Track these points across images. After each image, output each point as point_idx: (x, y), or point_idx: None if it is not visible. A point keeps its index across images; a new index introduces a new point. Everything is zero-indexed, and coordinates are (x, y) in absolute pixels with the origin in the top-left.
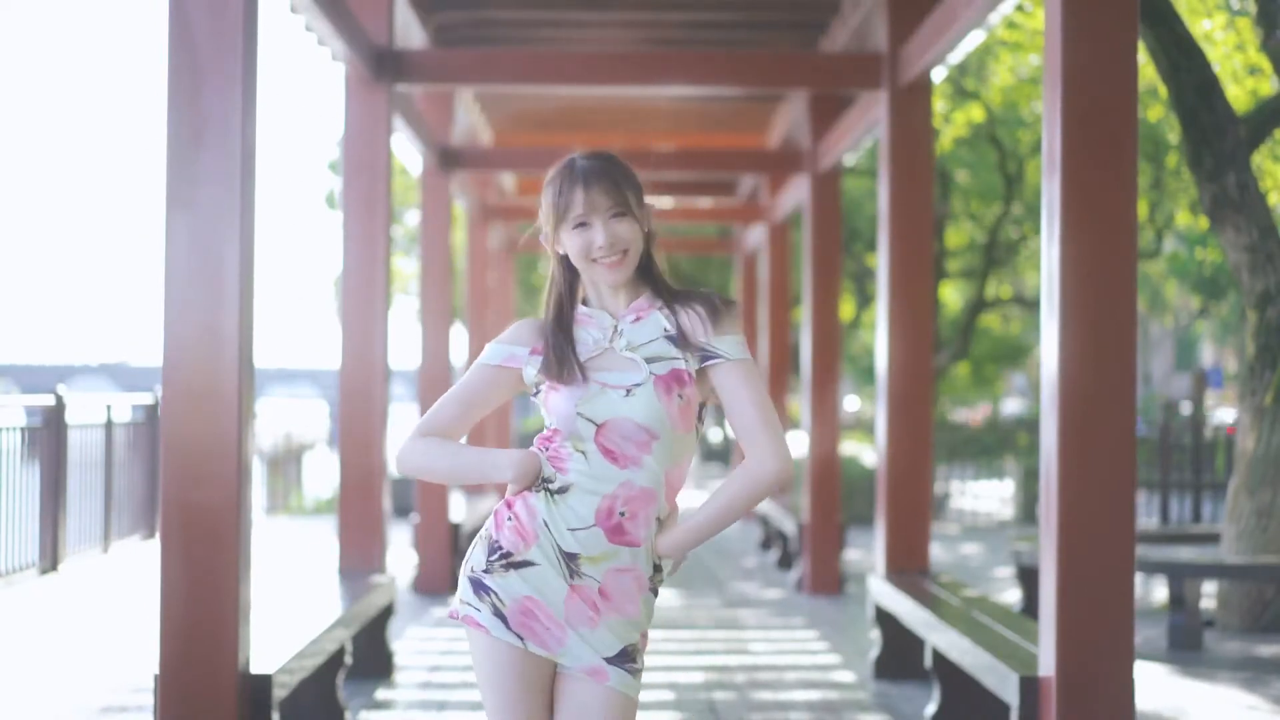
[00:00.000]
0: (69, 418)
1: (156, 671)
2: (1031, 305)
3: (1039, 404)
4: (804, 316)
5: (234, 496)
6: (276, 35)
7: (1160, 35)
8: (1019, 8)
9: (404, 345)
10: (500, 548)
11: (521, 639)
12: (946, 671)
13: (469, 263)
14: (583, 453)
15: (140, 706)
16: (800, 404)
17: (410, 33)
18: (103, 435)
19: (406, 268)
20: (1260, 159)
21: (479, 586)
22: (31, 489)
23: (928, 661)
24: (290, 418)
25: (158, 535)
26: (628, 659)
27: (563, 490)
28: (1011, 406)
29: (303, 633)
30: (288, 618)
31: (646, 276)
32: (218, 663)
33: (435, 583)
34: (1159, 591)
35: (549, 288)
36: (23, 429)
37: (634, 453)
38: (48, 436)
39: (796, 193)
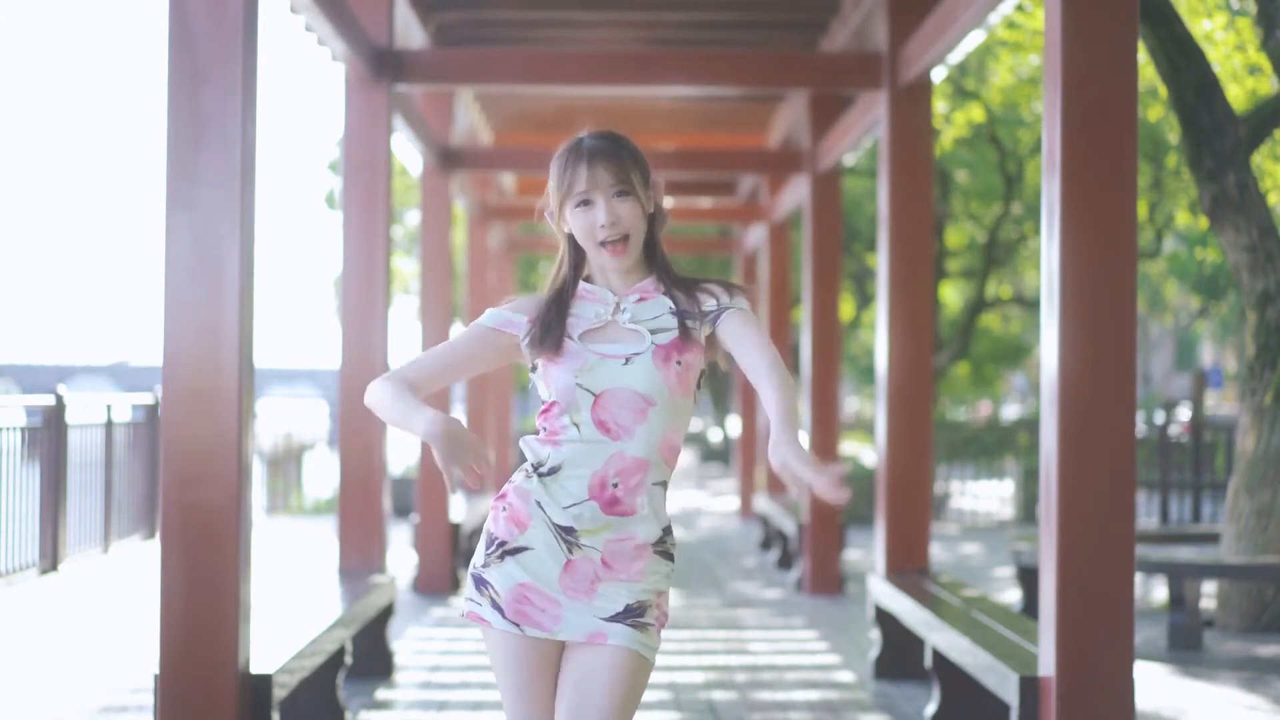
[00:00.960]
0: (69, 418)
1: (156, 671)
2: (1031, 305)
3: (1039, 404)
4: (804, 316)
5: (234, 496)
6: (276, 35)
7: (1160, 35)
8: (1019, 8)
9: (404, 345)
10: (496, 538)
11: (519, 626)
12: (946, 671)
13: (469, 263)
14: (576, 425)
15: (140, 706)
16: (800, 404)
17: (410, 33)
18: (103, 435)
19: (406, 268)
20: (1260, 159)
21: (480, 582)
22: (32, 489)
23: (928, 661)
24: (290, 418)
25: (158, 535)
26: (632, 614)
27: (553, 471)
28: (1010, 412)
29: (303, 633)
30: (288, 618)
31: (652, 260)
32: (218, 663)
33: (435, 583)
34: (1159, 591)
35: (556, 264)
36: (23, 429)
37: (628, 423)
38: (48, 436)
39: (796, 193)
